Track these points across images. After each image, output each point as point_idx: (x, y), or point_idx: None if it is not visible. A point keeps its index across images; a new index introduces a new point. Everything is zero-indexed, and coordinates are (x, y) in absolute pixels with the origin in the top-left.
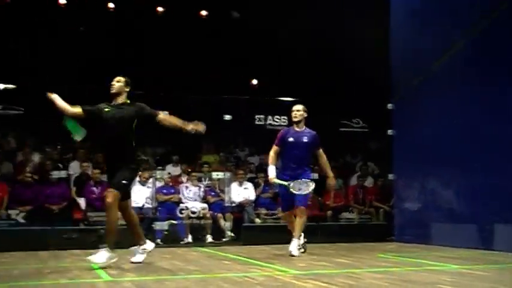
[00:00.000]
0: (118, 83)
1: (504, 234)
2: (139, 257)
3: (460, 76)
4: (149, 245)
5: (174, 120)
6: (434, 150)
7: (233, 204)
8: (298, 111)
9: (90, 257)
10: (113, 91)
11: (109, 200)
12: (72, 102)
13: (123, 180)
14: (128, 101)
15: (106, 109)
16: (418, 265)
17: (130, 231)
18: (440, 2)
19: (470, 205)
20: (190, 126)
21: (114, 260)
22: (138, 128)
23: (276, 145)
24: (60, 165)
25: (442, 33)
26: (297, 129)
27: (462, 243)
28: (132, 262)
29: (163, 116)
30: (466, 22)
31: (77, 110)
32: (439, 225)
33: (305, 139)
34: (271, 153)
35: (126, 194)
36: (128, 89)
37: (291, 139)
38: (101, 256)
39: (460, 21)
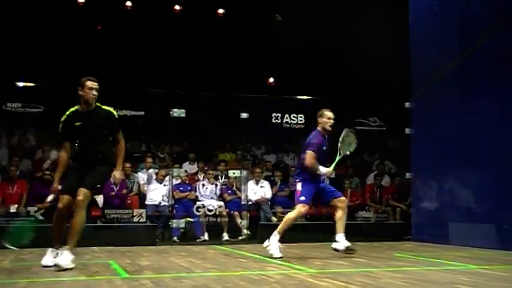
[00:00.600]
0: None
1: None
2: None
3: (478, 76)
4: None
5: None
6: (452, 150)
7: (249, 203)
8: (334, 119)
9: (56, 261)
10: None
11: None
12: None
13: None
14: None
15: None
16: (435, 265)
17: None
18: (459, 2)
19: (488, 205)
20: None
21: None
22: (155, 127)
23: (314, 152)
24: None
25: (461, 33)
26: (325, 136)
27: (480, 243)
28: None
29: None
30: (485, 22)
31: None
32: (457, 225)
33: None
34: (314, 160)
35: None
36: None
37: (324, 148)
38: (66, 258)
39: (479, 21)
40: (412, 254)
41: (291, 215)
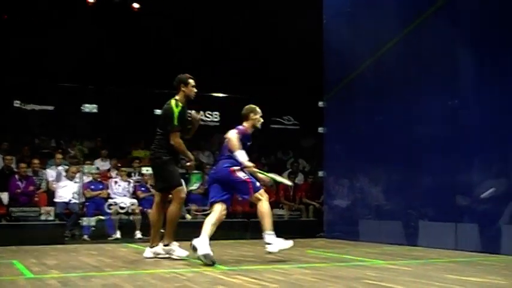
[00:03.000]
0: None
1: (427, 231)
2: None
3: (388, 76)
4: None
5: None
6: (363, 149)
7: None
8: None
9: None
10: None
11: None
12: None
13: None
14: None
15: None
16: (345, 261)
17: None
18: (372, 3)
19: (396, 202)
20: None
21: None
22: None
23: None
24: None
25: (373, 33)
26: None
27: (388, 239)
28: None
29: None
30: (396, 24)
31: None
32: (367, 222)
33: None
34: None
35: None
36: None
37: (248, 144)
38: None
39: (391, 22)
40: (323, 251)
41: (265, 206)
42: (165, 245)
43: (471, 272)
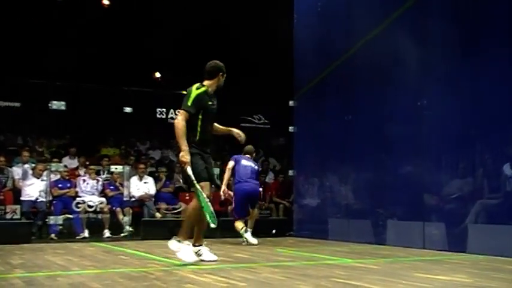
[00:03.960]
0: None
1: (394, 229)
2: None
3: (358, 76)
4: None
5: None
6: (333, 148)
7: (133, 199)
8: None
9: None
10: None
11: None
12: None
13: None
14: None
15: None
16: (314, 259)
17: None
18: (343, 2)
19: (364, 202)
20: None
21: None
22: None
23: None
24: None
25: (344, 32)
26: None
27: (357, 238)
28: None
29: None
30: (367, 23)
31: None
32: (336, 221)
33: None
34: None
35: None
36: None
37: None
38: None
39: (361, 22)
40: (292, 250)
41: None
42: (177, 241)
43: (438, 270)
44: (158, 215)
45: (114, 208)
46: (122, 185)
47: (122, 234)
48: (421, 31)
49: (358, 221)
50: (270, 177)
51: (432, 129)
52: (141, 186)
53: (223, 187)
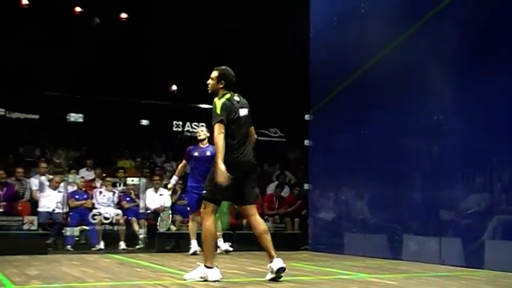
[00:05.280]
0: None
1: (411, 244)
2: None
3: (375, 90)
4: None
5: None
6: (349, 161)
7: (148, 211)
8: (202, 131)
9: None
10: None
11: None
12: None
13: None
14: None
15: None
16: (329, 274)
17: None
18: (359, 16)
19: (381, 216)
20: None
21: None
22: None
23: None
24: None
25: (360, 46)
26: (201, 146)
27: (373, 252)
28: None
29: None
30: (383, 37)
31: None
32: (352, 235)
33: (208, 153)
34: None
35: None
36: (221, 85)
37: (196, 154)
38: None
39: (378, 36)
40: (307, 264)
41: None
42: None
43: (454, 286)
44: (173, 227)
45: (129, 218)
46: (137, 196)
47: (137, 246)
48: (438, 45)
49: (374, 235)
50: (285, 191)
51: (449, 144)
52: (157, 199)
53: None
